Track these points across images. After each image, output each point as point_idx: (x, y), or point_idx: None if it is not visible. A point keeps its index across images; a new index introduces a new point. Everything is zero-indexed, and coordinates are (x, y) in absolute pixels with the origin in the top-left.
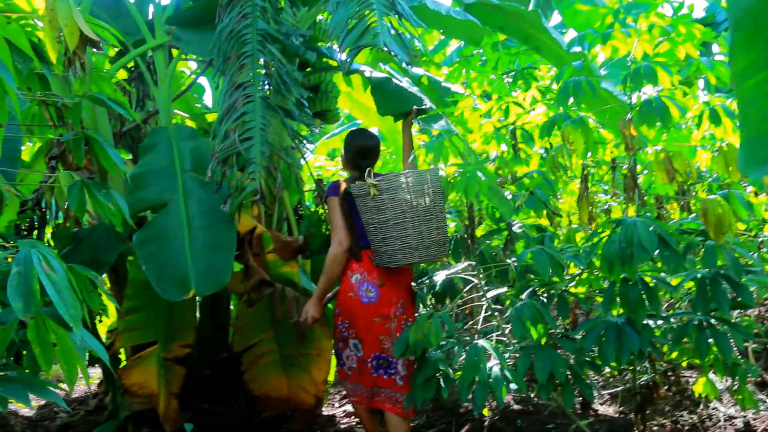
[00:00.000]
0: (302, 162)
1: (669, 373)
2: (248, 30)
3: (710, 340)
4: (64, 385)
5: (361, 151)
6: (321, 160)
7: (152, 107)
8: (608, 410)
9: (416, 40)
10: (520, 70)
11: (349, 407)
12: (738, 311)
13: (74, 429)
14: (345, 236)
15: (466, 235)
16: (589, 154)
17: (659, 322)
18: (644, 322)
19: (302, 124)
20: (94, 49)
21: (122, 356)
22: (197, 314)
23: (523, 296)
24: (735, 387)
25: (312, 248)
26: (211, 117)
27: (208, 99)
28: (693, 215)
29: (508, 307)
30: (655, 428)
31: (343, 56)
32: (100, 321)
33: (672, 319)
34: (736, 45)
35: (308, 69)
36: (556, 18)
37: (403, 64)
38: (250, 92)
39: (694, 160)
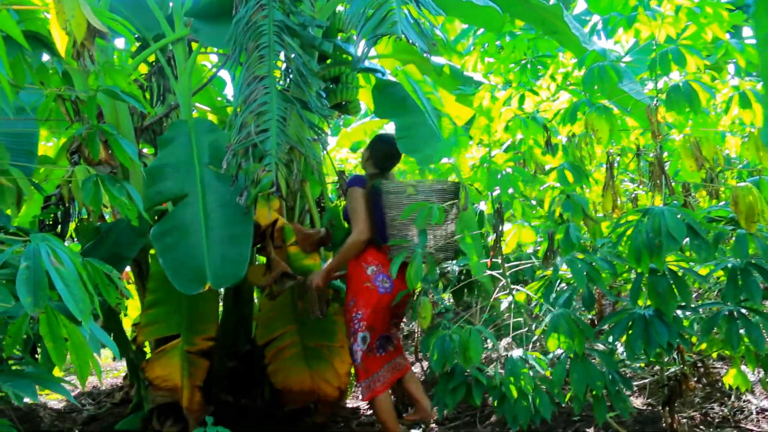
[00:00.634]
0: (323, 154)
1: (698, 365)
2: (265, 21)
3: (741, 331)
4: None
5: (388, 155)
6: (343, 152)
7: (173, 101)
8: (636, 402)
9: (436, 29)
10: (538, 57)
11: None
12: None
13: (100, 421)
14: (367, 227)
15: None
16: (613, 142)
17: (687, 313)
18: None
19: (320, 116)
20: (108, 42)
21: (147, 349)
22: (220, 307)
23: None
24: None
25: (334, 241)
26: (232, 110)
27: (229, 92)
28: (722, 203)
29: (535, 305)
30: (684, 420)
31: (360, 49)
32: (126, 315)
33: (701, 310)
34: (759, 10)
35: (328, 61)
36: (581, 5)
37: (424, 54)
38: (267, 84)
39: (723, 146)
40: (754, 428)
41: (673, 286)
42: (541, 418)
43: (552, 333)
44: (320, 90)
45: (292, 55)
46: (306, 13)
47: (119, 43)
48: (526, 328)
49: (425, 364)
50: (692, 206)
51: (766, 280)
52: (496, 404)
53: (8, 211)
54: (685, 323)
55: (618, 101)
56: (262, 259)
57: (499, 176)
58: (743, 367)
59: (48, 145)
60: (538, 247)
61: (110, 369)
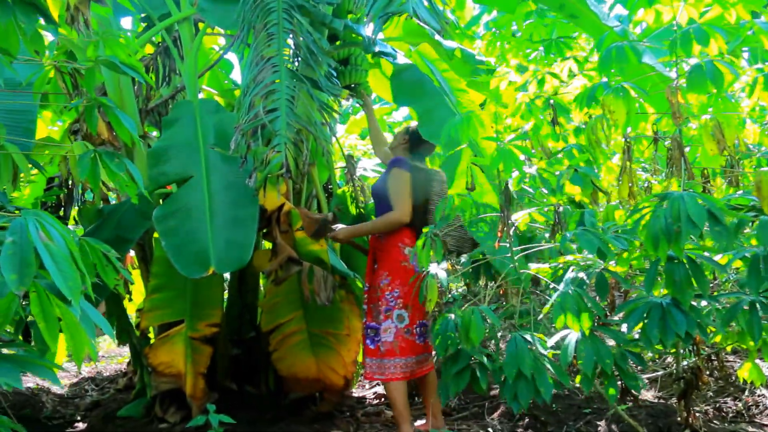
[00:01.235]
0: (332, 138)
1: (712, 358)
2: None
3: (764, 323)
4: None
5: (428, 147)
6: (352, 138)
7: (179, 83)
8: (647, 395)
9: (449, 12)
10: (555, 39)
11: (379, 389)
12: None
13: (103, 407)
14: (409, 211)
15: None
16: (629, 129)
17: (703, 303)
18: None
19: (330, 96)
20: (104, 5)
21: (152, 335)
22: (225, 293)
23: (564, 280)
24: None
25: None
26: (240, 91)
27: (237, 76)
28: (739, 192)
29: (545, 286)
30: (697, 415)
31: (369, 30)
32: (130, 300)
33: (723, 300)
34: None
35: (338, 42)
36: None
37: (435, 36)
38: (276, 62)
39: (742, 133)
40: None
41: (691, 275)
42: (542, 399)
43: (559, 311)
44: (330, 69)
45: (302, 34)
46: None
47: (126, 23)
48: (534, 313)
49: None
50: (710, 193)
51: None
52: (499, 387)
53: (4, 189)
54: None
55: (637, 83)
56: (268, 245)
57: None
58: (757, 361)
59: (53, 129)
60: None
61: (114, 355)
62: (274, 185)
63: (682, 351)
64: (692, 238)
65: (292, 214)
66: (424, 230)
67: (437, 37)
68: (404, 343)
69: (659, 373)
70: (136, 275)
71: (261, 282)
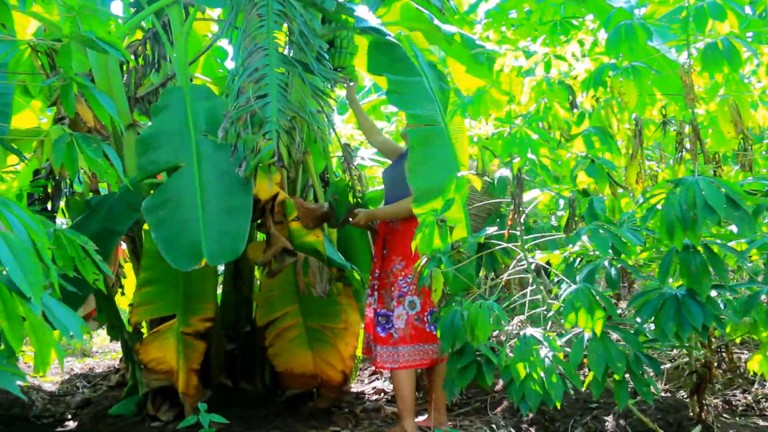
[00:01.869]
0: (327, 125)
1: (720, 349)
2: None
3: None
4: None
5: None
6: (348, 128)
7: (170, 71)
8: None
9: None
10: (561, 20)
11: (378, 384)
12: None
13: (95, 405)
14: None
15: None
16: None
17: (713, 293)
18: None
19: (323, 80)
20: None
21: (145, 330)
22: (219, 286)
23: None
24: None
25: (338, 216)
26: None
27: (231, 64)
28: (749, 179)
29: (553, 279)
30: (709, 410)
31: (363, 11)
32: (123, 294)
33: (742, 289)
34: None
35: (325, 24)
36: None
37: (434, 21)
38: (266, 45)
39: (754, 116)
40: None
41: (708, 264)
42: (552, 402)
43: (570, 309)
44: (322, 52)
45: (293, 15)
46: None
47: (116, 9)
48: (545, 307)
49: None
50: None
51: None
52: (507, 386)
53: None
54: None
55: (647, 63)
56: (262, 236)
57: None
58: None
59: (43, 121)
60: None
61: (108, 350)
62: (267, 174)
63: (693, 344)
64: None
65: (287, 204)
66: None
67: (436, 21)
68: (414, 330)
69: (666, 365)
70: (128, 269)
71: (257, 274)
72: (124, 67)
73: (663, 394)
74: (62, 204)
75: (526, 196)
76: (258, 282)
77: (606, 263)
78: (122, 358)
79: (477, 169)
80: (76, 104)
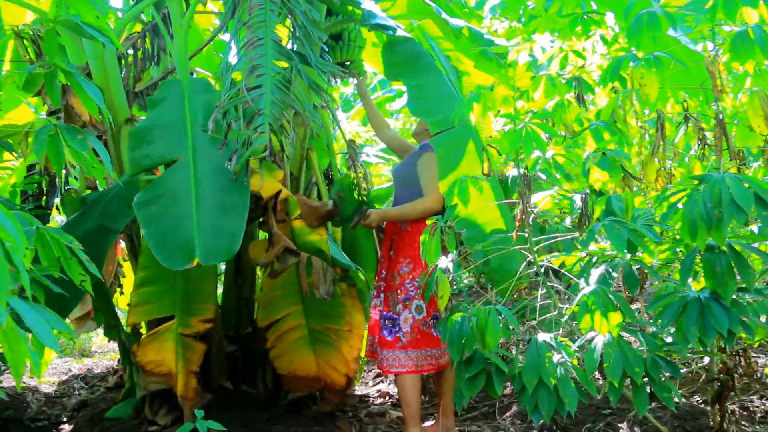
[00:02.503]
0: (332, 121)
1: (737, 354)
2: None
3: None
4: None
5: None
6: (353, 125)
7: (170, 65)
8: None
9: None
10: (582, 14)
11: (383, 386)
12: None
13: (91, 407)
14: (442, 197)
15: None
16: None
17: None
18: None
19: (322, 74)
20: None
21: (144, 330)
22: (219, 286)
23: (589, 275)
24: None
25: (342, 214)
26: (235, 76)
27: (234, 59)
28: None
29: (566, 279)
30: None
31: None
32: (122, 293)
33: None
34: None
35: (331, 16)
36: None
37: (442, 14)
38: (262, 35)
39: None
40: None
41: (733, 266)
42: (566, 411)
43: (584, 312)
44: (322, 45)
45: (291, 4)
46: None
47: (116, 1)
48: (555, 311)
49: None
50: None
51: None
52: (518, 394)
53: None
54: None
55: (670, 53)
56: (264, 235)
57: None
58: None
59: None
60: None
61: (108, 350)
62: (269, 171)
63: (712, 349)
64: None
65: (290, 202)
66: (428, 221)
67: (444, 15)
68: (420, 335)
69: (682, 370)
70: (127, 268)
71: (259, 273)
72: (123, 61)
73: (678, 399)
74: (57, 201)
75: (538, 197)
76: (260, 281)
77: (623, 263)
78: (120, 359)
79: (483, 170)
80: (71, 97)
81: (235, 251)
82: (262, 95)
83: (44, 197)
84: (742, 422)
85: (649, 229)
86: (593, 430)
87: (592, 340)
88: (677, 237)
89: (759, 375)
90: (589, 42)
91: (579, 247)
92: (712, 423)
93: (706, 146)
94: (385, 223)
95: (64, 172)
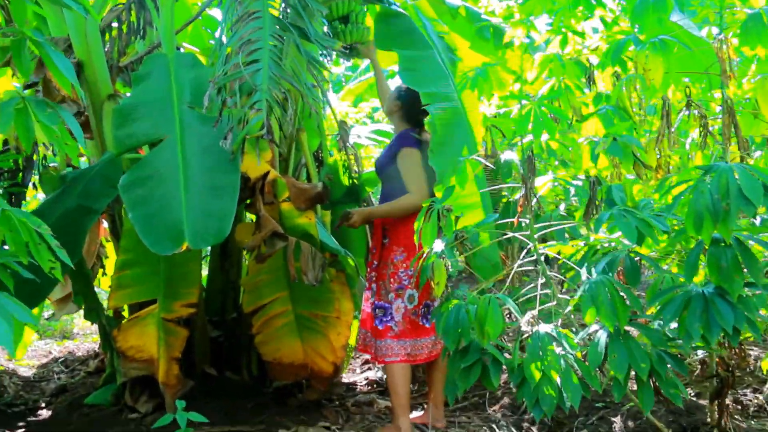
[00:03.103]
0: (323, 100)
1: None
2: None
3: None
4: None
5: (422, 108)
6: (344, 106)
7: (156, 39)
8: None
9: None
10: None
11: (371, 374)
12: None
13: (71, 392)
14: (426, 193)
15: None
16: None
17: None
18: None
19: (322, 49)
20: None
21: (126, 314)
22: (204, 268)
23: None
24: None
25: (332, 197)
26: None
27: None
28: None
29: (565, 269)
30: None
31: None
32: (104, 274)
33: None
34: None
35: None
36: None
37: None
38: (258, 7)
39: None
40: None
41: (740, 260)
42: (567, 407)
43: (588, 304)
44: (321, 15)
45: None
46: None
47: None
48: (554, 301)
49: None
50: None
51: None
52: (516, 388)
53: None
54: None
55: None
56: (252, 217)
57: (531, 119)
58: None
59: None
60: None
61: (90, 332)
62: (256, 150)
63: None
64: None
65: (278, 184)
66: (424, 204)
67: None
68: (410, 324)
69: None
70: (110, 248)
71: (246, 256)
72: (107, 34)
73: None
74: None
75: (538, 182)
76: (246, 264)
77: (623, 255)
78: (101, 344)
79: (487, 151)
80: (48, 70)
81: (226, 234)
82: (259, 70)
83: (20, 174)
84: (737, 417)
85: (657, 220)
86: (586, 424)
87: (595, 333)
88: (675, 228)
89: (753, 368)
90: (588, 23)
91: (567, 236)
92: (709, 420)
93: (708, 134)
94: None
95: (42, 146)
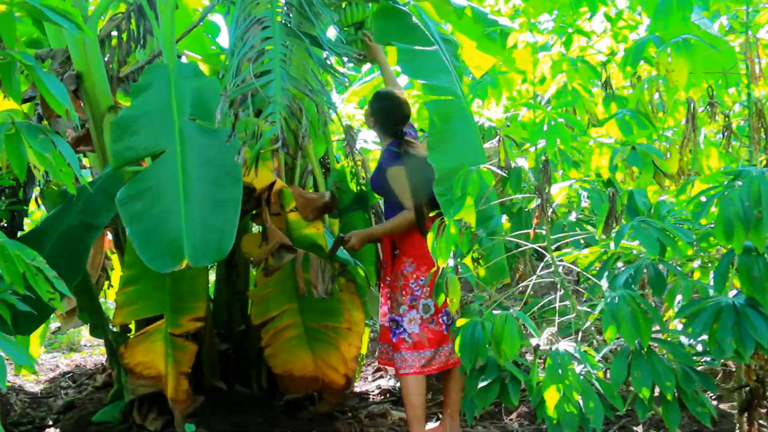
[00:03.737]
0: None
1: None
2: None
3: None
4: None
5: (398, 118)
6: (350, 108)
7: (156, 48)
8: None
9: None
10: None
11: (383, 382)
12: None
13: (78, 409)
14: (424, 199)
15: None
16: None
17: None
18: None
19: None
20: None
21: (132, 326)
22: (211, 282)
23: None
24: None
25: (340, 206)
26: (226, 54)
27: (224, 41)
28: None
29: (585, 280)
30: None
31: None
32: (110, 287)
33: None
34: None
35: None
36: None
37: None
38: (267, 15)
39: None
40: None
41: None
42: (590, 428)
43: (609, 320)
44: (333, 22)
45: None
46: None
47: None
48: (574, 314)
49: None
50: None
51: None
52: (536, 406)
53: None
54: None
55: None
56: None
57: (545, 125)
58: None
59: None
60: (580, 215)
61: (97, 344)
62: (263, 160)
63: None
64: None
65: (285, 194)
66: (431, 214)
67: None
68: (431, 333)
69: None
70: (116, 260)
71: (252, 268)
72: (106, 44)
73: None
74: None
75: (554, 189)
76: (254, 273)
77: (647, 264)
78: (108, 359)
79: (500, 161)
80: None
81: (227, 251)
82: (271, 81)
83: (21, 189)
84: (764, 426)
85: (680, 230)
86: None
87: (613, 351)
88: (698, 232)
89: None
90: (593, 22)
91: (582, 242)
92: (738, 431)
93: (731, 135)
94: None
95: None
